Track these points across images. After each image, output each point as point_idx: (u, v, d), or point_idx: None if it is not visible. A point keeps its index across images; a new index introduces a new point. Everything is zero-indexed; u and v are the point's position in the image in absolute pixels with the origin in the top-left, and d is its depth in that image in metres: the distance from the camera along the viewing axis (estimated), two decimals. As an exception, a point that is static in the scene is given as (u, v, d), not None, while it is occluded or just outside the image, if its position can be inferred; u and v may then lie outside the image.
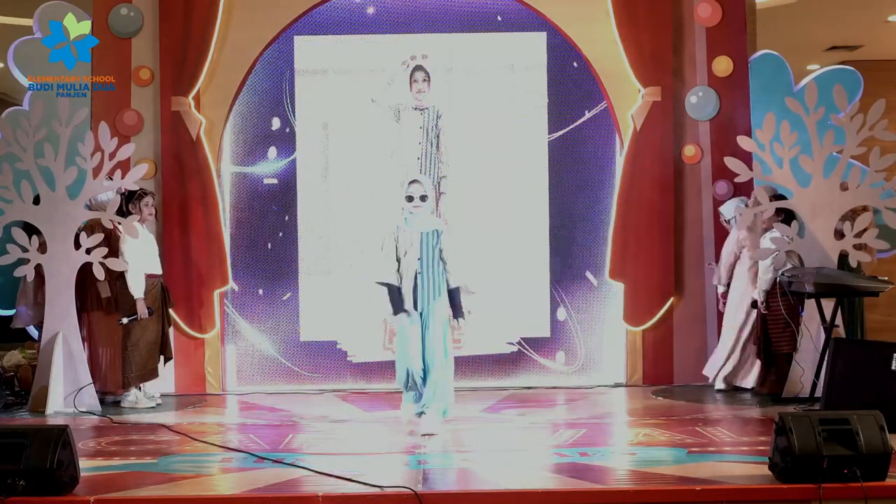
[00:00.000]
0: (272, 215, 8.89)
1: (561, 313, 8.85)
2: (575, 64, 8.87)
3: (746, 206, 7.94)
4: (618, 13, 8.66)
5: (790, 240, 7.54)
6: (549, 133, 8.93)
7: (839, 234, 7.53)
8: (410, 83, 8.73)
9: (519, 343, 8.86)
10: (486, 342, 8.83)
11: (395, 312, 6.35)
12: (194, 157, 8.55)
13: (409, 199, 6.43)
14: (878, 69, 10.67)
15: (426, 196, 6.43)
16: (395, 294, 6.33)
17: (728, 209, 8.28)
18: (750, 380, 8.02)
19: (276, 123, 8.87)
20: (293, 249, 8.86)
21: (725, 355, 8.13)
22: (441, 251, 6.39)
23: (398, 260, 6.37)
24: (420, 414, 6.37)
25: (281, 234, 8.88)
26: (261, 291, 8.82)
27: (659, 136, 8.68)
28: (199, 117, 8.59)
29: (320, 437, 6.27)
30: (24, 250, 7.42)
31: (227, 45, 8.69)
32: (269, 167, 8.89)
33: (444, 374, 6.34)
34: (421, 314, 6.32)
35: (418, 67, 8.75)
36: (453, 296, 6.41)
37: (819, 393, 6.85)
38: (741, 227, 7.91)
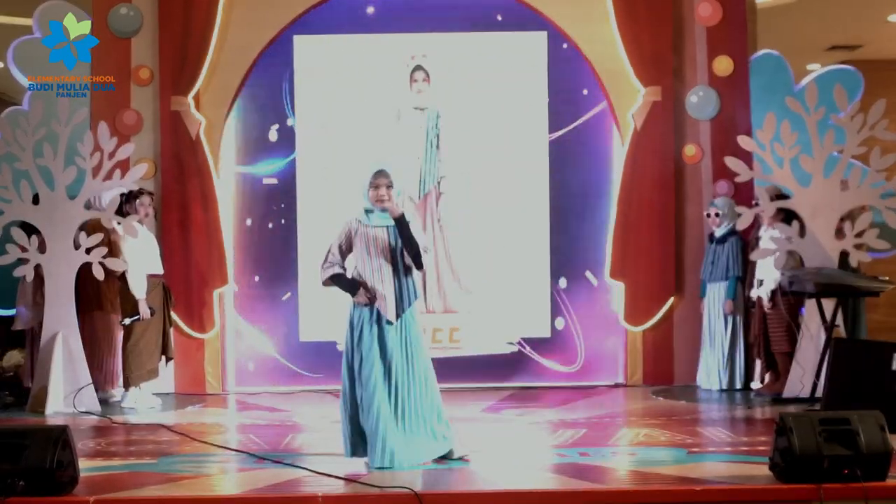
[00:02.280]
0: (272, 215, 8.88)
1: (559, 323, 8.85)
2: (575, 64, 8.86)
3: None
4: (618, 13, 8.67)
5: (790, 240, 7.54)
6: (549, 133, 8.93)
7: (840, 234, 7.52)
8: (410, 82, 8.74)
9: (519, 343, 8.86)
10: (486, 342, 8.83)
11: (355, 291, 5.23)
12: (194, 156, 8.55)
13: (376, 187, 5.21)
14: (878, 69, 10.64)
15: (392, 185, 5.26)
16: (343, 280, 5.27)
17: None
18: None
19: (275, 123, 8.87)
20: (293, 249, 8.86)
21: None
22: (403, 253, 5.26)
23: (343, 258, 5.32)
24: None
25: (281, 233, 8.87)
26: (261, 291, 8.82)
27: (659, 136, 8.68)
28: (199, 117, 8.58)
29: (320, 437, 6.25)
30: (24, 250, 7.41)
31: (227, 44, 8.69)
32: (268, 167, 8.88)
33: (435, 393, 5.29)
34: (401, 324, 5.22)
35: (418, 67, 8.76)
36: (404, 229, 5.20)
37: (819, 393, 6.84)
38: (741, 226, 7.92)
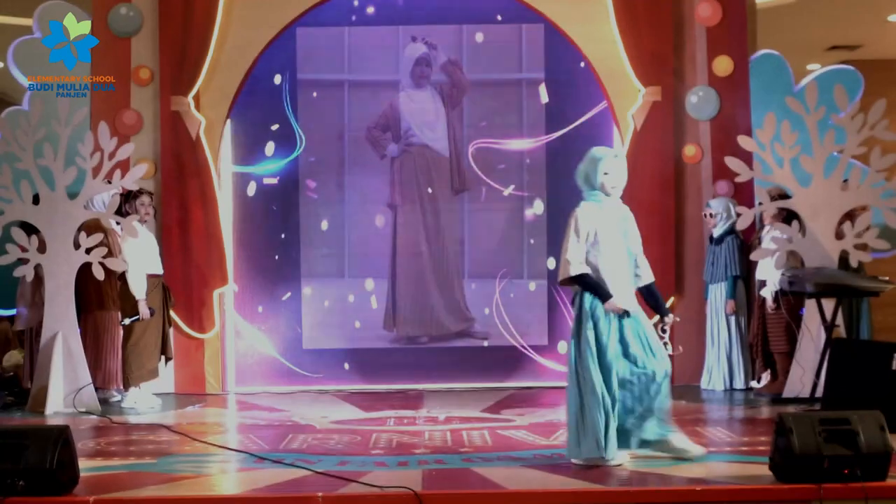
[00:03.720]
0: (272, 215, 8.89)
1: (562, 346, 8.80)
2: (575, 64, 8.86)
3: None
4: (618, 13, 8.66)
5: (791, 240, 7.54)
6: (549, 133, 8.93)
7: (840, 234, 7.52)
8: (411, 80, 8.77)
9: (519, 343, 8.86)
10: (486, 342, 8.84)
11: (606, 298, 5.03)
12: (194, 156, 8.55)
13: (608, 173, 5.08)
14: (878, 69, 10.65)
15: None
16: (593, 281, 5.06)
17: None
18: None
19: (276, 123, 8.87)
20: (293, 249, 8.86)
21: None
22: (631, 240, 5.22)
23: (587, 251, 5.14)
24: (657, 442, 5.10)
25: (281, 234, 8.87)
26: (261, 291, 8.82)
27: (659, 136, 8.68)
28: (199, 117, 8.58)
29: (320, 437, 6.26)
30: (24, 250, 7.41)
31: (228, 44, 8.69)
32: (269, 167, 8.88)
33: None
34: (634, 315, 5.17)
35: (420, 62, 8.77)
36: (654, 291, 5.35)
37: (819, 393, 6.84)
38: (742, 226, 7.91)
